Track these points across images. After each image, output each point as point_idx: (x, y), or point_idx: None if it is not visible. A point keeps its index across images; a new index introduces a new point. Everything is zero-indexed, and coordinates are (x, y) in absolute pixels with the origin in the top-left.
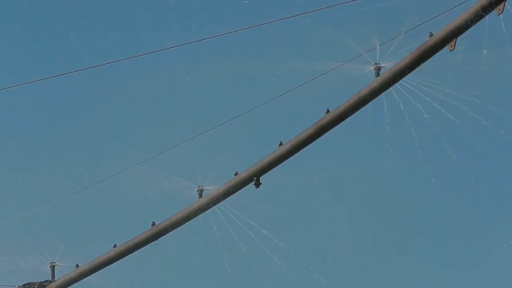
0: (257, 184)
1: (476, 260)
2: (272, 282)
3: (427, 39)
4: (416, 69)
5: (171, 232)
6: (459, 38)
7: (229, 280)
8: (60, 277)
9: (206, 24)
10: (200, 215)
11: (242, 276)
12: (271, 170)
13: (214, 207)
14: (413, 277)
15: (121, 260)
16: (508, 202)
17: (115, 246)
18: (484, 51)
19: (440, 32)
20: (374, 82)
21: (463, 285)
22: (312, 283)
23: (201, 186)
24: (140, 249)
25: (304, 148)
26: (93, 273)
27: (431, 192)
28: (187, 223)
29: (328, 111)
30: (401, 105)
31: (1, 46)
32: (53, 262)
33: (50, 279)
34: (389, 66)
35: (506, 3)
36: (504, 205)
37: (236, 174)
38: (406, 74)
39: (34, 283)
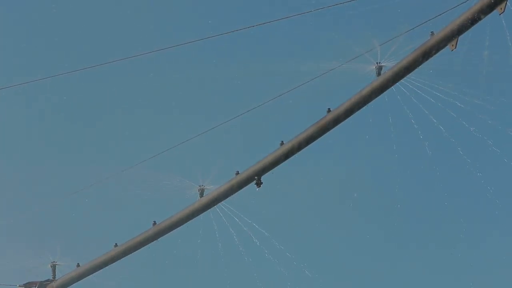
0: (258, 184)
1: (477, 259)
2: (271, 282)
3: (429, 38)
4: (417, 68)
5: (172, 232)
6: (461, 37)
7: (229, 280)
8: (61, 277)
9: (206, 24)
10: (201, 214)
11: (241, 276)
12: (272, 170)
13: (215, 206)
14: (419, 273)
15: (122, 259)
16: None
17: (116, 245)
18: (485, 50)
19: (441, 31)
20: (375, 81)
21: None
22: (311, 284)
23: (202, 185)
24: (141, 249)
25: (306, 148)
26: (94, 272)
27: (433, 189)
28: (188, 222)
29: (329, 111)
30: (403, 104)
31: (1, 45)
32: (54, 262)
33: (51, 279)
34: (390, 66)
35: (507, 3)
36: (505, 203)
37: (237, 173)
38: (407, 73)
39: (35, 283)
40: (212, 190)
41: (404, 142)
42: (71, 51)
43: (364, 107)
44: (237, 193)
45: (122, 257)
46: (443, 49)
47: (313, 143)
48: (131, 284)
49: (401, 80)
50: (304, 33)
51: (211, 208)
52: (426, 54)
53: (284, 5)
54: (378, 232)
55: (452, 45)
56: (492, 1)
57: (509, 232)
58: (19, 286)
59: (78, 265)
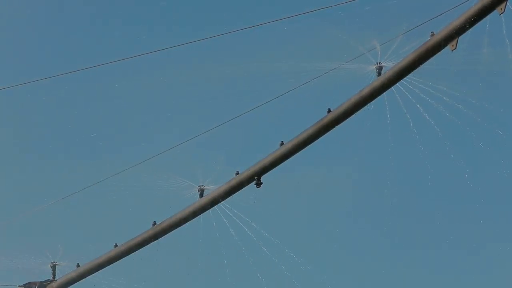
0: (258, 184)
1: (471, 261)
2: (271, 282)
3: (429, 38)
4: (418, 68)
5: (172, 232)
6: (461, 37)
7: (229, 280)
8: (61, 277)
9: (206, 24)
10: (201, 214)
11: (241, 276)
12: (272, 170)
13: (215, 206)
14: (415, 273)
15: (122, 259)
16: (507, 202)
17: (116, 245)
18: (484, 50)
19: (441, 31)
20: (375, 81)
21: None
22: (311, 283)
23: (202, 185)
24: (141, 249)
25: (305, 148)
26: (94, 272)
27: (431, 189)
28: (188, 222)
29: (329, 111)
30: (402, 105)
31: (1, 45)
32: (54, 262)
33: (51, 279)
34: (390, 66)
35: (507, 3)
36: (502, 204)
37: (237, 173)
38: (408, 73)
39: (34, 283)
40: (212, 190)
41: (404, 142)
42: (71, 51)
43: (364, 107)
44: (237, 193)
45: (122, 257)
46: (443, 49)
47: (313, 143)
48: (132, 284)
49: (401, 80)
50: (304, 33)
51: (211, 208)
52: (426, 54)
53: (284, 5)
54: (378, 231)
55: (452, 45)
56: (492, 1)
57: (508, 237)
58: (19, 286)
59: (78, 265)
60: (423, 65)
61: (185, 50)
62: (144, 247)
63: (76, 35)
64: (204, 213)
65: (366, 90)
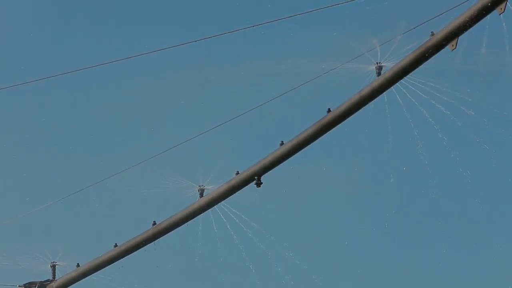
0: (258, 184)
1: (471, 260)
2: (269, 283)
3: (429, 38)
4: (417, 68)
5: (172, 232)
6: (461, 37)
7: (227, 280)
8: (61, 277)
9: (206, 24)
10: (201, 214)
11: (240, 275)
12: (272, 170)
13: (215, 206)
14: (415, 273)
15: (122, 259)
16: (506, 201)
17: (116, 245)
18: (484, 50)
19: (441, 31)
20: (375, 81)
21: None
22: (310, 283)
23: (202, 185)
24: (140, 249)
25: (305, 148)
26: (94, 272)
27: (430, 189)
28: (188, 222)
29: (329, 111)
30: (402, 105)
31: (2, 45)
32: (54, 262)
33: (51, 279)
34: (390, 66)
35: (507, 3)
36: (501, 204)
37: (237, 173)
38: (407, 73)
39: (35, 283)
40: (212, 190)
41: (404, 142)
42: (71, 51)
43: (364, 107)
44: (237, 193)
45: (122, 257)
46: (443, 49)
47: (313, 143)
48: (131, 284)
49: (401, 80)
50: (304, 33)
51: (211, 208)
52: (426, 54)
53: (284, 5)
54: (378, 231)
55: (452, 45)
56: (492, 1)
57: (508, 237)
58: (19, 286)
59: (78, 265)
60: (423, 65)
61: (185, 50)
62: (144, 247)
63: (76, 35)
64: (204, 213)
65: (366, 90)
